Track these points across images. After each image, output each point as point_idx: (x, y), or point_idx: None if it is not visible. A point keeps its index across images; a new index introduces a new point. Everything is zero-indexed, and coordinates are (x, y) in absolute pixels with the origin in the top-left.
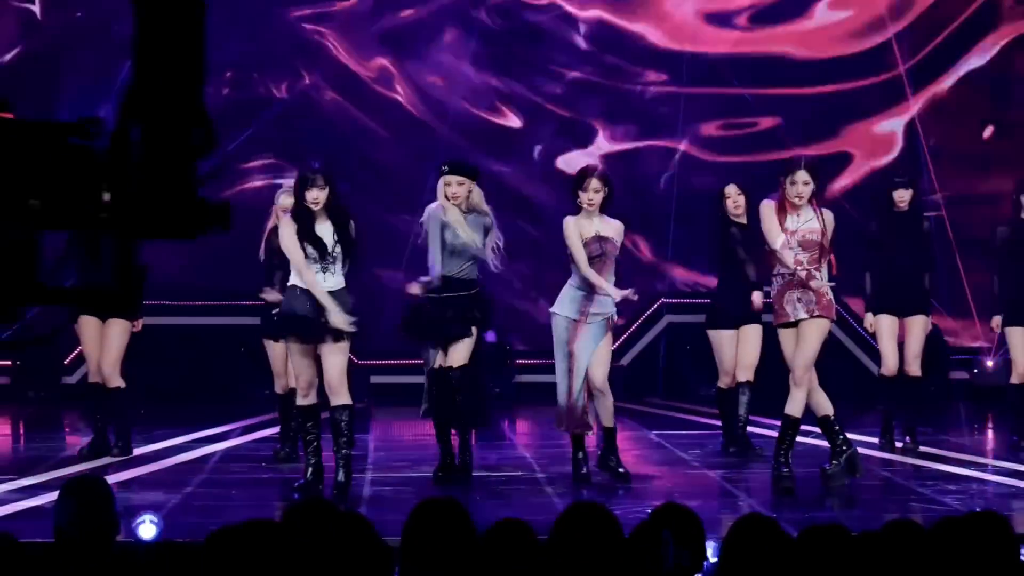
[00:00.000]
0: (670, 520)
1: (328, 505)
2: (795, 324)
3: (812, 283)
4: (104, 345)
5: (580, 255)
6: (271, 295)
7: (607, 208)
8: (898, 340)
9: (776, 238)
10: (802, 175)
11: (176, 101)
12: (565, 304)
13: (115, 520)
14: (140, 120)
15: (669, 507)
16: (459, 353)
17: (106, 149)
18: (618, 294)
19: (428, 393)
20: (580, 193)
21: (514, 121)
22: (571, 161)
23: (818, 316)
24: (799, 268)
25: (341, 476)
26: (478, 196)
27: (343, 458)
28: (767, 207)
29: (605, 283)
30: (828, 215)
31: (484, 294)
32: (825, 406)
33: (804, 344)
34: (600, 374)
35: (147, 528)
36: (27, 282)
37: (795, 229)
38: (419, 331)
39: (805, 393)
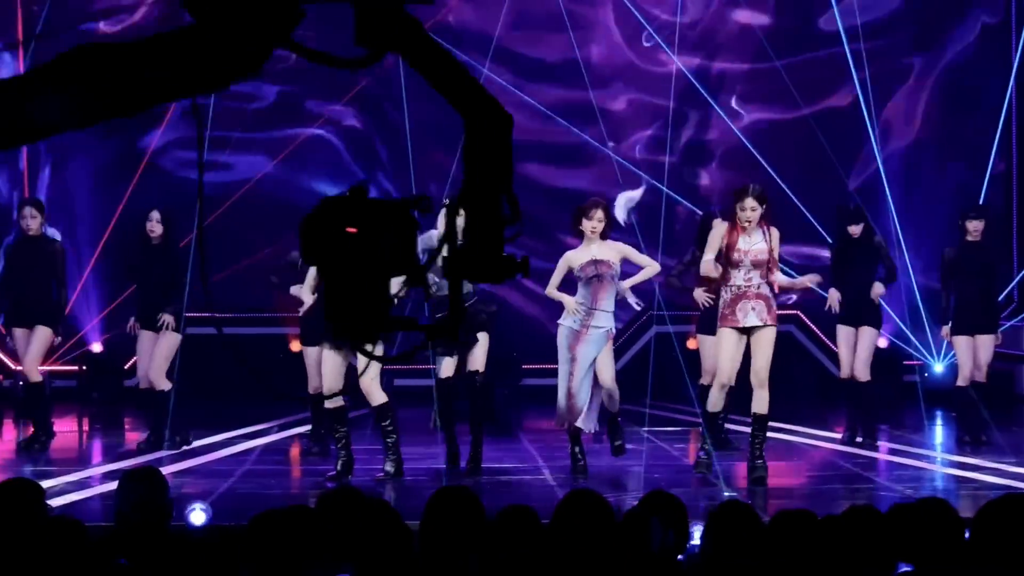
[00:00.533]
0: (657, 506)
1: (357, 493)
2: (742, 330)
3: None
4: (154, 354)
5: (553, 281)
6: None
7: (607, 235)
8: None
9: (709, 252)
10: (750, 202)
11: (493, 189)
12: (569, 316)
13: (169, 506)
14: (469, 202)
15: (656, 494)
16: (477, 358)
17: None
18: (571, 307)
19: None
20: (584, 221)
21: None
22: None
23: (770, 325)
24: (747, 284)
25: (390, 467)
26: None
27: (391, 448)
28: (719, 226)
29: (564, 297)
30: (775, 233)
31: (481, 301)
32: (720, 405)
33: (762, 350)
34: (608, 375)
35: (197, 515)
36: (383, 315)
37: (747, 249)
38: (435, 344)
39: (767, 392)
